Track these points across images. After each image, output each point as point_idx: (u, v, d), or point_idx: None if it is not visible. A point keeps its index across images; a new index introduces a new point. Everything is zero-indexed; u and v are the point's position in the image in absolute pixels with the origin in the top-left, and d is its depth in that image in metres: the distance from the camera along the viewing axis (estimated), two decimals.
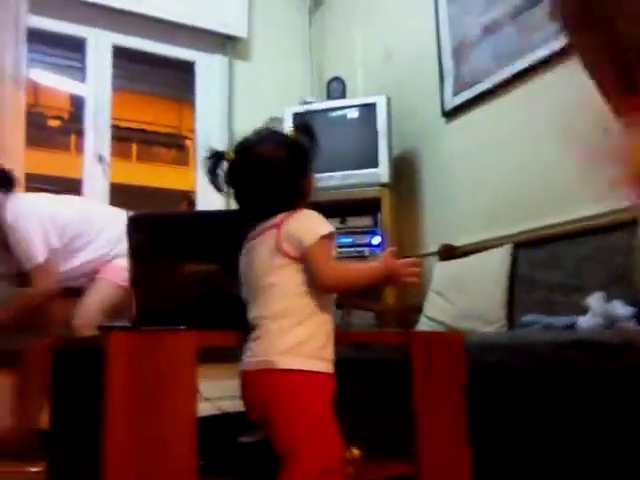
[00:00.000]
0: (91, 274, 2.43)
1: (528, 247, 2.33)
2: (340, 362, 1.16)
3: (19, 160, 2.86)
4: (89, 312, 2.34)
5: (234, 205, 1.26)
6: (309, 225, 1.15)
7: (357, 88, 3.53)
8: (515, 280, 2.31)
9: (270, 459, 1.10)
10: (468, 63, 2.81)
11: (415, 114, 3.14)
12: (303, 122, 1.27)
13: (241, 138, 1.23)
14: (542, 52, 2.38)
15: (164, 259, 1.39)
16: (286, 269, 1.13)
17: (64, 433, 1.51)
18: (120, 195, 3.47)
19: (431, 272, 2.70)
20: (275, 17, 3.91)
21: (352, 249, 2.92)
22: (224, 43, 3.71)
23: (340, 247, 2.57)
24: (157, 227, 1.43)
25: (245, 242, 1.24)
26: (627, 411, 1.39)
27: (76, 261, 2.40)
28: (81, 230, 2.40)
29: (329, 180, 2.90)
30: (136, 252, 1.41)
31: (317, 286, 1.12)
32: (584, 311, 1.79)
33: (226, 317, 1.25)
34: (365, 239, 2.95)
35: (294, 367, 1.09)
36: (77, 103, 3.50)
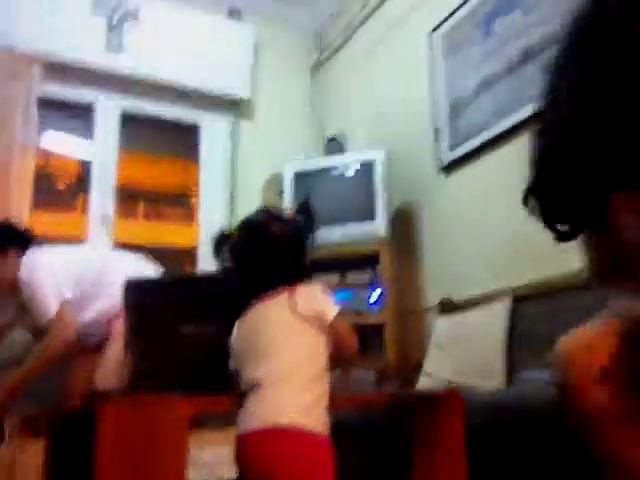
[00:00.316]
0: (107, 326, 2.40)
1: (528, 300, 2.31)
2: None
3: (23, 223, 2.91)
4: (107, 374, 2.32)
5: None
6: (324, 298, 1.25)
7: (357, 143, 3.60)
8: (515, 334, 2.28)
9: None
10: (465, 117, 2.86)
11: (413, 168, 3.18)
12: (303, 203, 1.36)
13: (245, 218, 1.32)
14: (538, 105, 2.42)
15: (159, 323, 1.40)
16: (301, 332, 1.19)
17: None
18: None
19: (431, 326, 2.69)
20: (278, 77, 4.04)
21: (352, 303, 2.91)
22: (228, 104, 3.82)
23: (340, 301, 2.57)
24: (152, 291, 1.45)
25: (251, 305, 1.26)
26: None
27: (92, 312, 2.41)
28: (97, 278, 2.42)
29: (328, 235, 2.92)
30: (132, 315, 1.42)
31: (345, 352, 1.24)
32: None
33: (222, 380, 1.24)
34: (365, 293, 2.96)
35: (307, 428, 1.09)
36: (85, 164, 3.59)
